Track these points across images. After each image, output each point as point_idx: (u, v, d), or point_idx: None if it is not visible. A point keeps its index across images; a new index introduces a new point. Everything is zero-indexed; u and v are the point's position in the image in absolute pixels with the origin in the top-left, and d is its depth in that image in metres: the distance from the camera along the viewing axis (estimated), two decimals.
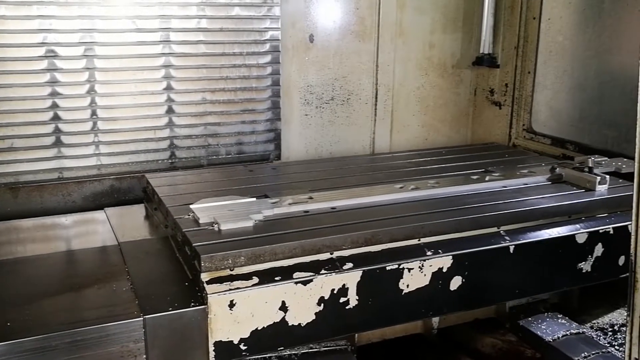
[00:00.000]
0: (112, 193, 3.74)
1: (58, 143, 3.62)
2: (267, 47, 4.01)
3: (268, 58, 4.03)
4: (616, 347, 2.92)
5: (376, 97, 4.53)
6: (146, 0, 3.65)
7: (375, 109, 4.54)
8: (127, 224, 3.26)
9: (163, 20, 3.72)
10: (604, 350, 2.90)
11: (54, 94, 3.55)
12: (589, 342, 2.96)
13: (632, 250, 1.96)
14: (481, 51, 4.56)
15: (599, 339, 3.00)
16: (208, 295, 2.31)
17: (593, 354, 2.84)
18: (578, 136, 4.07)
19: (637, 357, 2.01)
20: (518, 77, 4.47)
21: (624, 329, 2.02)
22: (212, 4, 3.82)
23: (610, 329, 3.10)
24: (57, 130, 3.61)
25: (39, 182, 3.61)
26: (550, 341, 3.01)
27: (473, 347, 3.27)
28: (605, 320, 3.22)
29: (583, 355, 2.84)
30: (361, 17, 4.35)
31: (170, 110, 3.85)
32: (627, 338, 2.03)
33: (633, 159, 3.55)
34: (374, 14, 4.37)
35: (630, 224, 3.02)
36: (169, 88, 3.82)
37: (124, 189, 3.77)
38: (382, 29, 4.40)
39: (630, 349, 2.03)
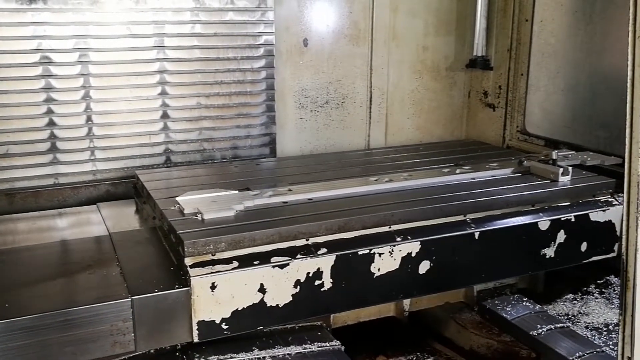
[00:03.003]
0: (107, 198, 3.74)
1: (53, 149, 3.63)
2: (261, 51, 4.03)
3: (262, 62, 4.05)
4: (611, 346, 2.93)
5: (370, 100, 4.55)
6: (140, 6, 3.67)
7: (370, 112, 4.56)
8: (118, 216, 3.39)
9: (157, 25, 3.73)
10: (598, 349, 2.92)
11: (49, 100, 3.56)
12: (584, 342, 2.99)
13: (623, 250, 1.98)
14: (474, 54, 4.59)
15: (594, 339, 3.01)
16: (191, 278, 2.47)
17: (587, 354, 2.87)
18: (571, 137, 4.10)
19: (629, 356, 2.02)
20: (511, 79, 4.49)
21: (618, 328, 2.04)
22: (206, 9, 3.84)
23: (605, 329, 3.11)
24: (53, 136, 3.62)
25: (34, 188, 3.61)
26: (512, 321, 3.17)
27: (443, 329, 3.47)
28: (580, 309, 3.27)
29: (577, 354, 2.86)
30: (354, 21, 4.37)
31: (165, 115, 3.87)
32: (620, 337, 2.05)
33: (609, 154, 3.67)
34: (367, 17, 4.39)
35: (592, 212, 3.25)
36: (163, 93, 3.83)
37: (119, 194, 3.77)
38: (375, 32, 4.42)
39: (622, 348, 2.05)
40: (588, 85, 4.01)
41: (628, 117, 1.93)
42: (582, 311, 3.29)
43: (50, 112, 3.58)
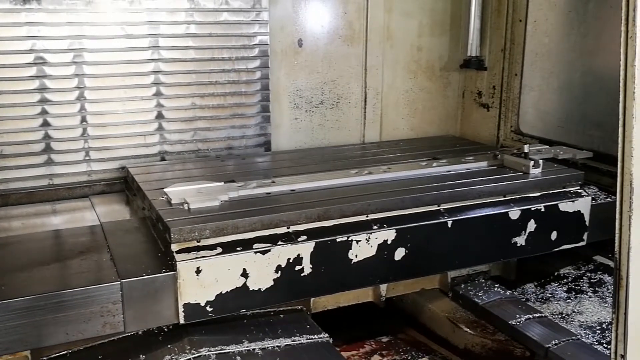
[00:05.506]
0: None
1: (48, 149, 3.63)
2: (256, 51, 4.03)
3: (257, 63, 4.05)
4: (604, 345, 2.95)
5: (365, 101, 4.56)
6: (135, 6, 3.67)
7: (365, 112, 4.57)
8: (109, 208, 3.52)
9: (152, 26, 3.73)
10: (573, 337, 2.99)
11: (43, 101, 3.56)
12: (559, 329, 3.07)
13: (616, 249, 1.99)
14: (468, 54, 4.61)
15: (588, 337, 3.03)
16: (177, 263, 2.60)
17: (563, 341, 2.95)
18: (565, 137, 4.12)
19: (622, 354, 2.03)
20: (505, 79, 4.52)
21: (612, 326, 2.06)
22: (201, 9, 3.84)
23: (598, 327, 3.13)
24: (47, 137, 3.61)
25: (29, 189, 3.61)
26: (484, 306, 3.32)
27: (419, 314, 3.63)
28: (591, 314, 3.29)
29: (554, 342, 2.93)
30: (349, 22, 4.38)
31: (160, 116, 3.87)
32: (613, 335, 2.06)
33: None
34: (361, 18, 4.40)
35: (561, 202, 3.39)
36: (158, 94, 3.83)
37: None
38: (370, 33, 4.44)
39: (616, 346, 2.06)
40: (582, 85, 4.03)
41: (621, 116, 1.94)
42: (576, 310, 3.31)
43: (44, 112, 3.58)
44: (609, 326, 3.07)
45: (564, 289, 3.52)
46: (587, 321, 3.20)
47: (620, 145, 1.94)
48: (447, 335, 3.40)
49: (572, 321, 3.20)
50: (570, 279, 3.60)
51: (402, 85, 4.68)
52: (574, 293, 3.47)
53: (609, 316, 3.20)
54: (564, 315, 3.26)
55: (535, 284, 3.61)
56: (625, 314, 2.00)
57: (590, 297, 3.41)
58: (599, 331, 3.09)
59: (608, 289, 3.45)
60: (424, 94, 4.76)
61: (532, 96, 4.38)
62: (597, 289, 3.48)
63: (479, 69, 4.64)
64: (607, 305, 3.33)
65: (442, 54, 4.75)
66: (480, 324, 3.32)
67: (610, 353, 2.09)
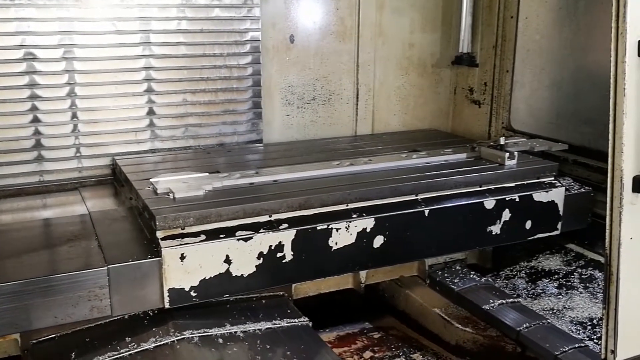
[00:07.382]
0: None
1: (38, 146, 3.61)
2: (247, 48, 4.02)
3: (249, 59, 4.04)
4: (595, 341, 2.96)
5: (357, 97, 4.56)
6: (126, 2, 3.65)
7: (357, 108, 4.57)
8: (98, 198, 3.59)
9: (143, 22, 3.71)
10: (543, 321, 3.07)
11: (33, 97, 3.54)
12: (530, 314, 3.15)
13: (606, 244, 2.00)
14: (460, 50, 4.62)
15: (578, 333, 3.04)
16: (162, 249, 2.69)
17: (534, 324, 3.03)
18: (556, 133, 4.13)
19: (613, 349, 2.05)
20: (497, 75, 4.52)
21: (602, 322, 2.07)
22: (192, 5, 3.83)
23: (589, 323, 3.15)
24: (37, 133, 3.59)
25: (19, 185, 3.59)
26: (459, 291, 3.42)
27: (397, 300, 3.73)
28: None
29: (524, 325, 3.02)
30: (341, 18, 4.38)
31: (151, 112, 3.85)
32: (603, 330, 2.08)
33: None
34: (353, 14, 4.40)
35: (535, 193, 3.49)
36: (149, 90, 3.82)
37: None
38: (362, 29, 4.44)
39: (606, 341, 2.07)
40: (572, 82, 4.04)
41: (611, 113, 1.95)
42: (567, 306, 3.32)
43: (34, 108, 3.56)
44: (600, 322, 3.09)
45: (555, 284, 3.54)
46: (578, 317, 3.22)
47: (610, 142, 1.95)
48: (439, 332, 3.41)
49: (563, 317, 3.21)
50: (561, 274, 3.61)
51: (394, 82, 4.68)
52: (565, 289, 3.48)
53: (600, 312, 3.21)
54: (555, 311, 3.28)
55: (527, 280, 3.63)
56: (616, 309, 2.01)
57: (581, 293, 3.43)
58: (589, 327, 3.11)
59: (599, 285, 3.47)
60: (415, 90, 4.76)
61: (523, 93, 4.39)
62: (587, 284, 3.49)
63: (471, 66, 4.65)
64: (597, 301, 3.35)
65: (434, 50, 4.76)
66: (472, 320, 3.33)
67: (600, 348, 2.11)
